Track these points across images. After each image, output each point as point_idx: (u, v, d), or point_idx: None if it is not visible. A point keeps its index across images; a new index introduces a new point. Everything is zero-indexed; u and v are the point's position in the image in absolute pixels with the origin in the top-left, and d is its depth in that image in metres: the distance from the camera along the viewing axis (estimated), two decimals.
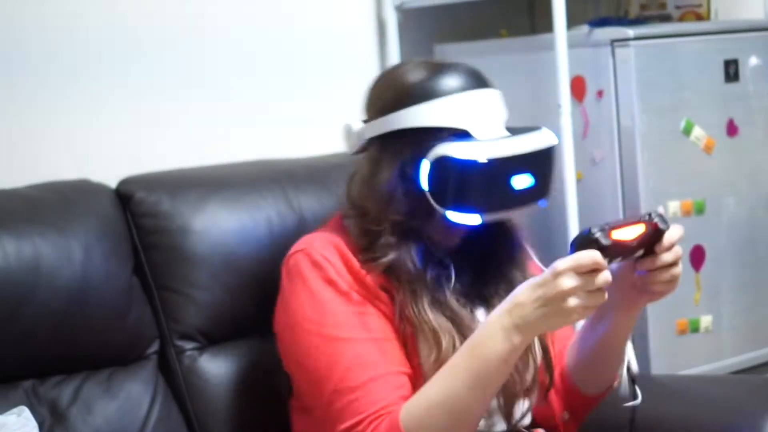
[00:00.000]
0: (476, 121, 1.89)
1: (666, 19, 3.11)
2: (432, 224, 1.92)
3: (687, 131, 2.82)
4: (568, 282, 1.69)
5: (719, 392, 2.28)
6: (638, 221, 1.78)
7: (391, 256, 1.91)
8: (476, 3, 3.01)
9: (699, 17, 3.11)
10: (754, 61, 2.96)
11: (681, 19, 3.11)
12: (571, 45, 2.72)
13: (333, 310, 1.90)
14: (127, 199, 2.22)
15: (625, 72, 2.74)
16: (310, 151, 2.52)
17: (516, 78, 2.93)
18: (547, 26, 2.74)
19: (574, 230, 2.71)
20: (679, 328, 2.81)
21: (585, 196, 2.75)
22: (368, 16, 3.02)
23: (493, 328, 1.76)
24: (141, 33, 2.64)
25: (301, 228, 2.17)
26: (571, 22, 2.76)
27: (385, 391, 1.84)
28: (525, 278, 1.88)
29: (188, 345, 2.18)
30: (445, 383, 1.79)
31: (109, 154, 2.56)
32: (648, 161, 2.75)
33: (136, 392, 2.14)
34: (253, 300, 2.17)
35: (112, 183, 2.28)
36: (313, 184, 2.32)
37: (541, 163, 1.92)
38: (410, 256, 1.91)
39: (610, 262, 1.74)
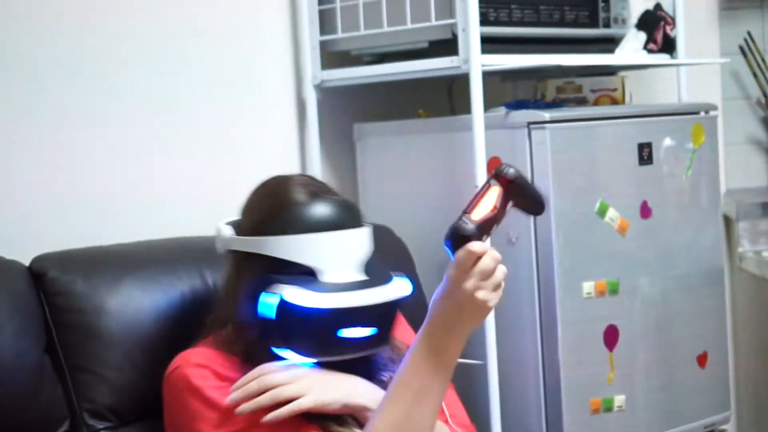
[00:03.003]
0: (328, 262, 1.94)
1: (582, 102, 3.16)
2: None
3: (601, 213, 2.86)
4: (468, 283, 1.80)
5: None
6: (488, 186, 1.86)
7: None
8: (395, 83, 3.05)
9: (614, 101, 3.16)
10: (667, 143, 3.01)
11: (596, 102, 3.16)
12: (489, 126, 2.75)
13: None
14: (40, 277, 2.20)
15: (541, 154, 2.77)
16: None
17: (433, 157, 2.97)
18: (465, 107, 2.77)
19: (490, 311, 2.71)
20: (593, 407, 2.83)
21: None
22: (288, 95, 3.04)
23: (420, 352, 1.84)
24: (56, 108, 2.64)
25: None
26: (489, 103, 2.80)
27: None
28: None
29: (100, 425, 2.16)
30: (387, 411, 1.85)
31: (22, 230, 2.54)
32: (563, 242, 2.78)
33: None
34: None
35: (25, 259, 2.26)
36: None
37: (383, 314, 1.97)
38: None
39: (488, 235, 1.84)
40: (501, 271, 1.84)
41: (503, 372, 2.76)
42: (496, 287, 1.83)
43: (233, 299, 2.01)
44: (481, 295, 1.81)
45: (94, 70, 2.70)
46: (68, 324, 2.18)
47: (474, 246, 1.81)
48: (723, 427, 3.16)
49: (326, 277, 1.93)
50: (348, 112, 3.15)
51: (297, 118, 3.06)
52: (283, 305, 1.90)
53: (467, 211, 1.83)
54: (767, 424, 3.51)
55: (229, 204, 2.78)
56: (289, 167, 3.02)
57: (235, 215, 2.10)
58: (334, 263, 1.95)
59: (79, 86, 2.67)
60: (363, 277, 1.97)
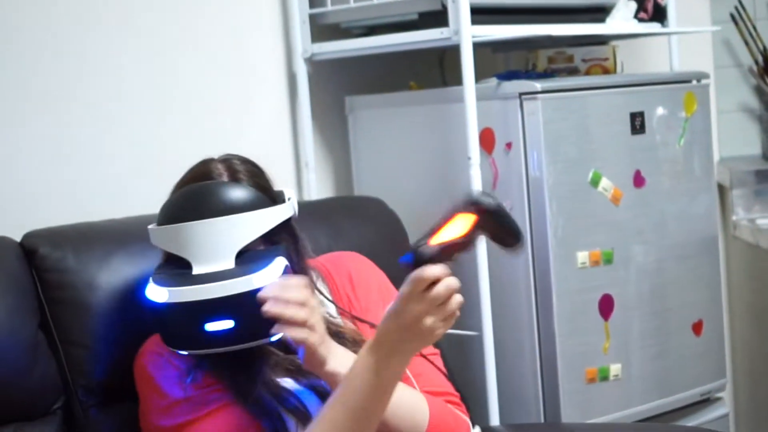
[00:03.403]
0: (196, 252, 1.90)
1: (573, 72, 3.15)
2: None
3: (594, 182, 2.85)
4: (417, 306, 1.72)
5: None
6: (460, 211, 1.76)
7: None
8: (386, 56, 3.04)
9: (605, 71, 3.15)
10: (659, 112, 3.00)
11: (588, 72, 3.15)
12: (480, 97, 2.74)
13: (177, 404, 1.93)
14: (32, 254, 2.19)
15: (533, 124, 2.77)
16: None
17: (425, 129, 2.96)
18: (457, 79, 2.77)
19: (484, 281, 2.72)
20: (589, 377, 2.83)
21: (495, 246, 2.76)
22: (278, 69, 3.03)
23: (359, 369, 1.78)
24: (47, 85, 2.63)
25: None
26: (480, 75, 2.79)
27: None
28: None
29: (94, 400, 2.16)
30: (322, 426, 1.80)
31: (13, 206, 2.53)
32: (556, 212, 2.78)
33: None
34: None
35: (17, 235, 2.25)
36: None
37: (241, 306, 1.85)
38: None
39: (451, 261, 1.74)
40: (455, 301, 1.74)
41: (499, 342, 2.76)
42: (447, 317, 1.74)
43: None
44: (428, 321, 1.72)
45: (84, 49, 2.69)
46: (60, 300, 2.17)
47: (428, 271, 1.71)
48: (718, 394, 3.16)
49: (195, 268, 1.89)
50: (339, 85, 3.14)
51: (288, 92, 3.05)
52: (144, 301, 1.92)
53: (431, 233, 1.74)
54: (762, 392, 3.52)
55: None
56: (281, 141, 3.02)
57: None
58: (203, 254, 1.89)
59: (68, 64, 2.66)
60: (230, 267, 1.89)
